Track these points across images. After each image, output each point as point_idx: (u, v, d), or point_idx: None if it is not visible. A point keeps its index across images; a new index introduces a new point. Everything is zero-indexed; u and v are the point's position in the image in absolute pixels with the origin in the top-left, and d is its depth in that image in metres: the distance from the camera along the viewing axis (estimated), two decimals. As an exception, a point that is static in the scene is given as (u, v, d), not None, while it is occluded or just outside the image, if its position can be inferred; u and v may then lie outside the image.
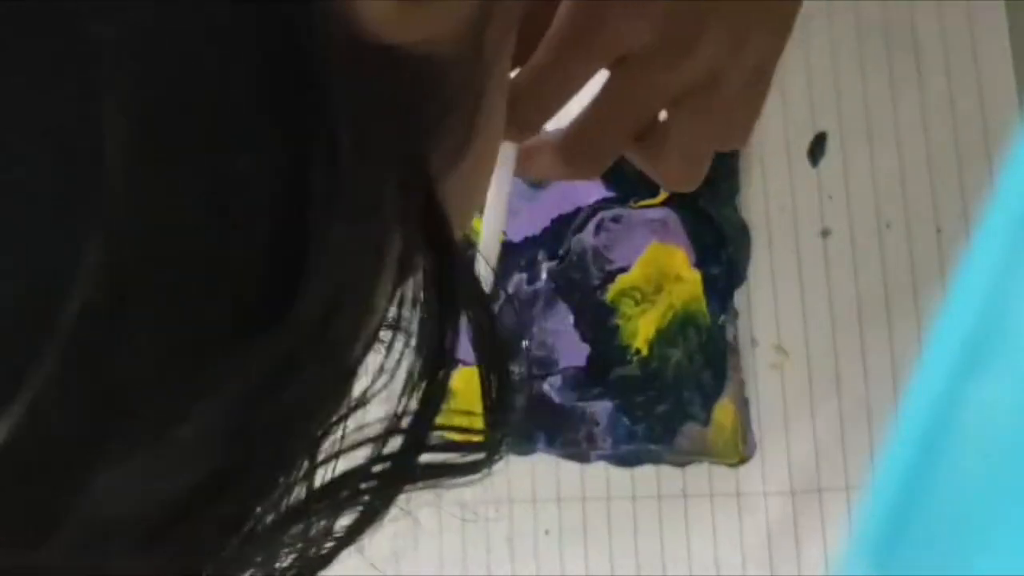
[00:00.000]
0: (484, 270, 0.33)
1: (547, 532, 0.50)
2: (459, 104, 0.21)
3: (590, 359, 0.49)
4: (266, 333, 0.16)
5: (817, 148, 0.49)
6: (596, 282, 0.50)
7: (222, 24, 0.15)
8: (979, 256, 0.12)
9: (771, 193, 0.50)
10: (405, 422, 0.21)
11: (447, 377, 0.21)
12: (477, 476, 0.24)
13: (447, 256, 0.20)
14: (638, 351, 0.49)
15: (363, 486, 0.21)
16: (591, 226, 0.50)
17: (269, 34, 0.16)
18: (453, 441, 0.23)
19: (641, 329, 0.49)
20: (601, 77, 0.34)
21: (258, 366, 0.16)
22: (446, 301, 0.21)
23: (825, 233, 0.49)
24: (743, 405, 0.48)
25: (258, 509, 0.19)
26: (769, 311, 0.49)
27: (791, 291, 0.49)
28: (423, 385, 0.21)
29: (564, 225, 0.50)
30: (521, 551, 0.50)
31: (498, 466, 0.24)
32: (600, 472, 0.49)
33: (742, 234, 0.49)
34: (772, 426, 0.48)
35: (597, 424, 0.49)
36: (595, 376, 0.49)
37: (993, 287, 0.12)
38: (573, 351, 0.49)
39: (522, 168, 0.36)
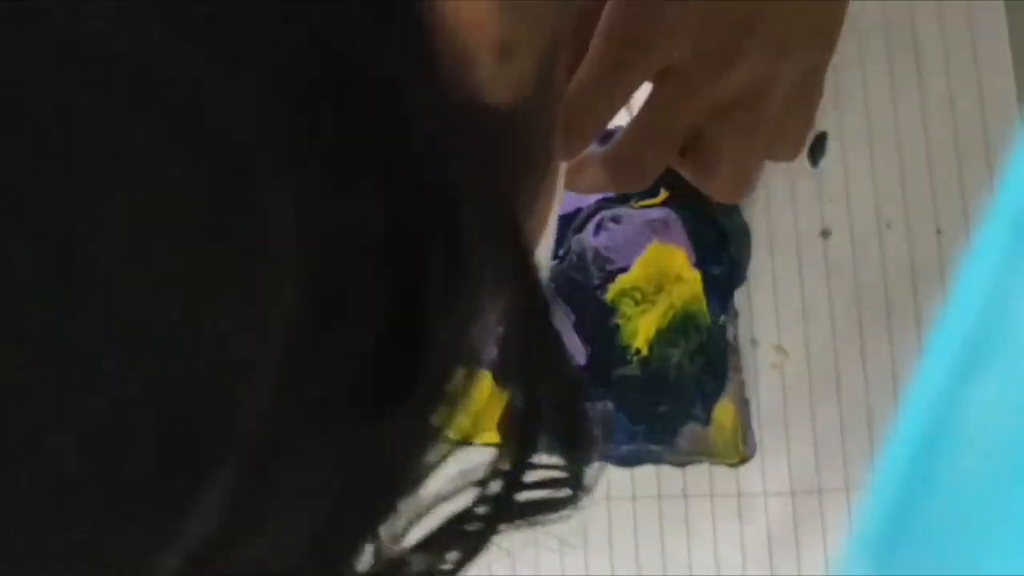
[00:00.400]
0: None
1: (547, 532, 0.50)
2: (539, 154, 0.21)
3: (590, 359, 0.49)
4: (391, 407, 0.17)
5: (817, 148, 0.49)
6: (596, 282, 0.50)
7: (339, 112, 0.15)
8: (979, 257, 0.12)
9: (771, 193, 0.50)
10: (504, 464, 0.22)
11: (540, 420, 0.22)
12: (569, 511, 0.24)
13: (538, 308, 0.21)
14: (638, 351, 0.49)
15: (466, 528, 0.22)
16: (591, 226, 0.50)
17: (384, 109, 0.16)
18: (543, 480, 0.24)
19: (641, 329, 0.49)
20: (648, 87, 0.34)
21: (384, 438, 0.18)
22: (536, 350, 0.21)
23: (825, 233, 0.49)
24: (743, 405, 0.48)
25: (365, 559, 0.20)
26: (769, 311, 0.49)
27: (791, 291, 0.49)
28: (519, 428, 0.22)
29: (564, 225, 0.50)
30: (521, 551, 0.50)
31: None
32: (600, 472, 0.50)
33: (742, 234, 0.49)
34: (772, 426, 0.48)
35: (597, 424, 0.49)
36: (595, 376, 0.49)
37: (993, 288, 0.12)
38: (573, 351, 0.49)
39: (569, 182, 0.36)
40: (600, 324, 0.49)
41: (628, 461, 0.49)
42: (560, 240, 0.50)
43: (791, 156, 0.37)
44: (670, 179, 0.49)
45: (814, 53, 0.34)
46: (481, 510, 0.22)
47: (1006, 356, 0.12)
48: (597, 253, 0.50)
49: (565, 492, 0.24)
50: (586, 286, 0.50)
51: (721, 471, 0.48)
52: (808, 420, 0.48)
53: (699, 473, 0.48)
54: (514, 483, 0.22)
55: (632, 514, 0.49)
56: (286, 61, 0.15)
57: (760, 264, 0.49)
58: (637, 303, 0.49)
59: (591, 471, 0.25)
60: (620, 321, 0.49)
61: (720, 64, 0.32)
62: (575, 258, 0.50)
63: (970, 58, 0.47)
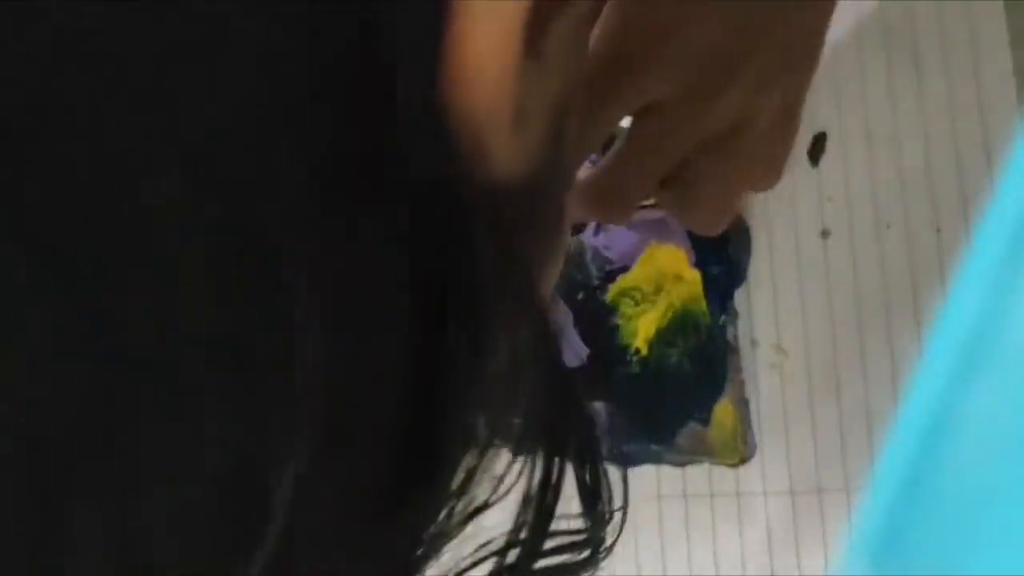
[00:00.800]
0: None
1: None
2: (554, 218, 0.21)
3: (590, 359, 0.49)
4: (409, 493, 0.17)
5: (817, 148, 0.49)
6: (596, 282, 0.50)
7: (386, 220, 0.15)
8: (979, 256, 0.12)
9: (771, 193, 0.50)
10: (522, 533, 0.22)
11: (560, 486, 0.22)
12: (589, 573, 0.24)
13: (559, 377, 0.21)
14: (638, 351, 0.49)
15: None
16: (591, 226, 0.50)
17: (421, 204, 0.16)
18: (561, 544, 0.24)
19: (641, 329, 0.49)
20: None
21: (409, 525, 0.18)
22: (557, 418, 0.21)
23: (825, 233, 0.49)
24: (743, 405, 0.48)
25: None
26: (769, 311, 0.49)
27: (791, 291, 0.49)
28: (538, 496, 0.21)
29: (564, 225, 0.50)
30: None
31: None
32: (600, 472, 0.50)
33: (742, 234, 0.49)
34: (772, 426, 0.48)
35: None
36: (595, 376, 0.49)
37: (993, 287, 0.12)
38: (573, 351, 0.50)
39: None
40: (600, 324, 0.49)
41: (628, 461, 0.49)
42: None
43: (769, 186, 0.37)
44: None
45: (793, 82, 0.34)
46: None
47: (1006, 356, 0.12)
48: (597, 253, 0.50)
49: (584, 554, 0.24)
50: (586, 286, 0.50)
51: (721, 471, 0.48)
52: (808, 420, 0.48)
53: (699, 473, 0.49)
54: (532, 552, 0.22)
55: (632, 514, 0.49)
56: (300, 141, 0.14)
57: (760, 264, 0.49)
58: (637, 303, 0.49)
59: (611, 530, 0.24)
60: (620, 321, 0.49)
61: (705, 101, 0.32)
62: (575, 258, 0.50)
63: (969, 57, 0.48)
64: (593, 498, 0.24)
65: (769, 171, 0.36)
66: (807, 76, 0.34)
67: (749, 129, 0.33)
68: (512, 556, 0.22)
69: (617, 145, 0.34)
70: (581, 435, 0.23)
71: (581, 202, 0.35)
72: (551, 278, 0.23)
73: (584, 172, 0.35)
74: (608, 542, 0.25)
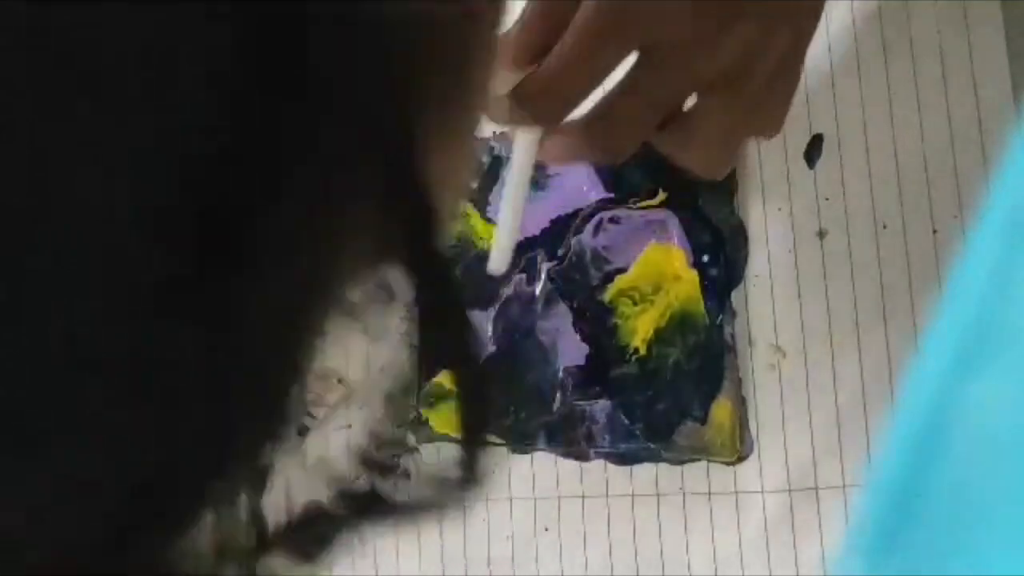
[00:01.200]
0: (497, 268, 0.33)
1: (547, 529, 0.50)
2: (449, 67, 0.20)
3: (589, 358, 0.50)
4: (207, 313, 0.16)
5: (814, 150, 0.49)
6: (595, 282, 0.50)
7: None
8: (975, 257, 0.12)
9: (768, 194, 0.50)
10: (379, 454, 0.21)
11: (417, 408, 0.20)
12: (452, 512, 0.23)
13: (435, 283, 0.19)
14: (636, 350, 0.49)
15: (330, 528, 0.20)
16: (590, 227, 0.50)
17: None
18: (429, 477, 0.22)
19: (640, 329, 0.49)
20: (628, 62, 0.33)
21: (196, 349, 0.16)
22: (429, 321, 0.20)
23: (822, 234, 0.49)
24: (740, 404, 0.48)
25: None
26: (766, 311, 0.49)
27: (788, 291, 0.49)
28: (395, 415, 0.20)
29: (563, 226, 0.50)
30: (521, 549, 0.50)
31: (498, 464, 0.23)
32: (599, 470, 0.50)
33: (739, 235, 0.49)
34: (769, 425, 0.48)
35: (596, 422, 0.49)
36: (594, 375, 0.49)
37: (988, 287, 0.12)
38: (573, 351, 0.50)
39: (543, 152, 0.35)
40: (599, 324, 0.50)
41: (627, 459, 0.49)
42: (560, 241, 0.51)
43: (772, 132, 0.36)
44: (668, 180, 0.49)
45: (796, 33, 0.34)
46: (343, 508, 0.20)
47: (1001, 356, 0.12)
48: (596, 253, 0.50)
49: (452, 492, 0.22)
50: (585, 286, 0.50)
51: (719, 469, 0.48)
52: (805, 418, 0.48)
53: (697, 471, 0.49)
54: (385, 472, 0.21)
55: (631, 512, 0.49)
56: None
57: (757, 264, 0.49)
58: (635, 303, 0.49)
59: (484, 463, 0.23)
60: (619, 321, 0.49)
61: (704, 46, 0.32)
62: (574, 258, 0.50)
63: (966, 59, 0.48)
64: (471, 432, 0.22)
65: (769, 119, 0.36)
66: (809, 27, 0.34)
67: (749, 74, 0.33)
68: (361, 483, 0.20)
69: (620, 81, 0.34)
70: (459, 350, 0.21)
71: (579, 136, 0.34)
72: (456, 167, 0.21)
73: (585, 108, 0.35)
74: (479, 481, 0.23)
